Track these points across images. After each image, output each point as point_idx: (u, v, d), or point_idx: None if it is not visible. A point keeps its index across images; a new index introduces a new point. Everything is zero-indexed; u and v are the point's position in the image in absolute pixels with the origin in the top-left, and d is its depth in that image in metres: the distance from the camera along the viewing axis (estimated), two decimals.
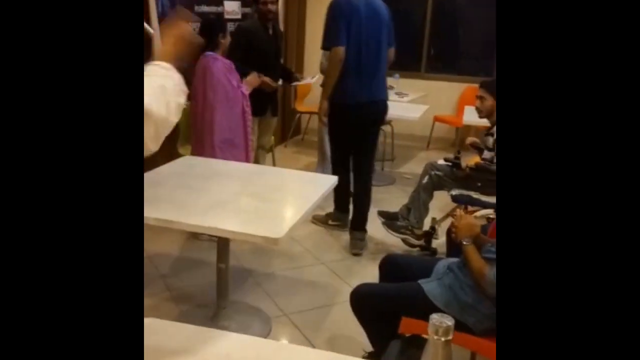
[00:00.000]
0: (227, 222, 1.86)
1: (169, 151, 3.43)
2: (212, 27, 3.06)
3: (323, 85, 3.17)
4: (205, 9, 4.11)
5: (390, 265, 2.08)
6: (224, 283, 2.33)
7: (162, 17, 3.65)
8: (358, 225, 3.24)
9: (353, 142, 3.20)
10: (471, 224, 1.81)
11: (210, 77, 2.91)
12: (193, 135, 3.09)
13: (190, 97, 3.12)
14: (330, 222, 3.53)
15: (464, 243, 1.76)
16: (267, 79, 3.32)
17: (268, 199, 2.12)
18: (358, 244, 3.20)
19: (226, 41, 3.05)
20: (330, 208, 3.52)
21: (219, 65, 2.96)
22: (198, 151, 2.99)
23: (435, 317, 0.85)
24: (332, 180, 2.41)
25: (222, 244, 2.25)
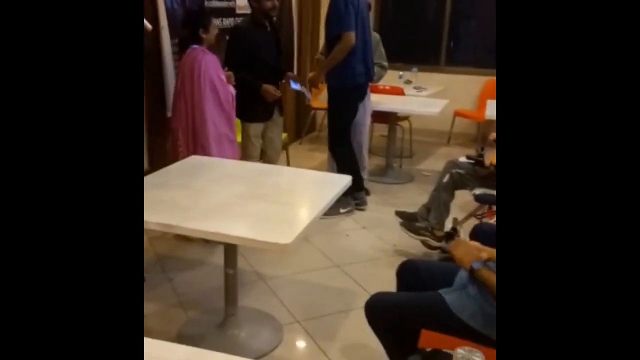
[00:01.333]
0: (231, 227, 1.74)
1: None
2: (192, 21, 2.89)
3: (322, 62, 3.50)
4: (216, 4, 3.99)
5: (408, 272, 1.93)
6: (232, 289, 2.21)
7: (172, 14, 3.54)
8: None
9: (353, 117, 3.56)
10: (470, 248, 1.65)
11: (199, 71, 2.75)
12: (181, 133, 2.85)
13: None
14: (341, 210, 3.42)
15: (475, 268, 1.59)
16: (270, 88, 3.20)
17: (276, 201, 1.98)
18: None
19: (209, 36, 2.87)
20: None
21: (209, 59, 2.81)
22: (190, 149, 2.85)
23: (461, 353, 0.71)
24: (345, 180, 2.27)
25: (230, 248, 2.13)
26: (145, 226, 1.72)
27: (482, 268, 1.58)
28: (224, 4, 4.10)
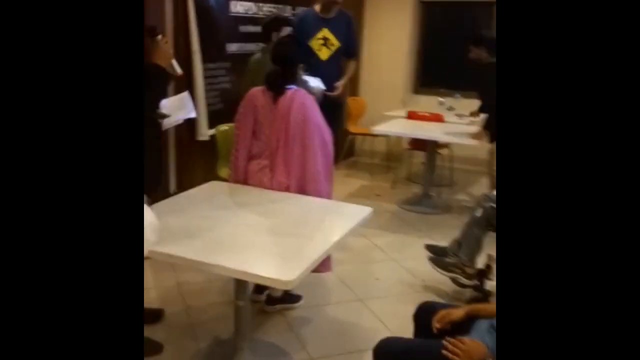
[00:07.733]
0: (234, 260, 1.65)
1: (208, 173, 3.33)
2: (292, 57, 2.43)
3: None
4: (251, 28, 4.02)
5: (426, 315, 1.78)
6: (242, 322, 2.12)
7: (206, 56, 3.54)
8: None
9: None
10: (470, 350, 1.49)
11: (309, 121, 2.33)
12: (275, 186, 2.37)
13: (258, 133, 2.45)
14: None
15: None
16: None
17: (286, 233, 1.89)
18: None
19: (300, 72, 2.50)
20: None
21: (313, 103, 2.39)
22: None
23: None
24: (365, 211, 2.15)
25: (240, 280, 2.04)
26: (151, 256, 1.66)
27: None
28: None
